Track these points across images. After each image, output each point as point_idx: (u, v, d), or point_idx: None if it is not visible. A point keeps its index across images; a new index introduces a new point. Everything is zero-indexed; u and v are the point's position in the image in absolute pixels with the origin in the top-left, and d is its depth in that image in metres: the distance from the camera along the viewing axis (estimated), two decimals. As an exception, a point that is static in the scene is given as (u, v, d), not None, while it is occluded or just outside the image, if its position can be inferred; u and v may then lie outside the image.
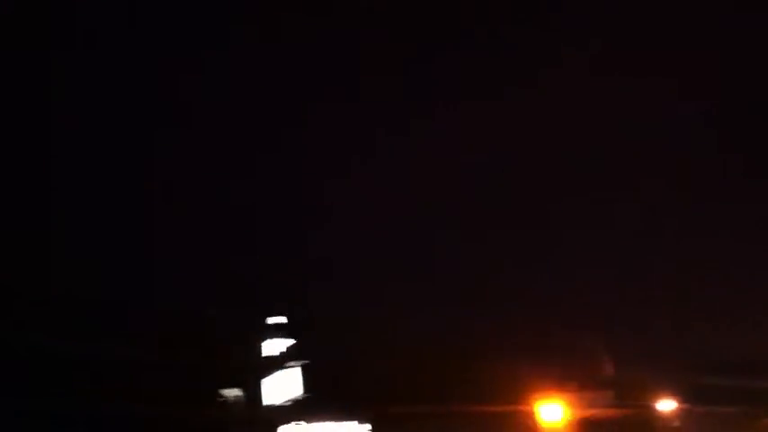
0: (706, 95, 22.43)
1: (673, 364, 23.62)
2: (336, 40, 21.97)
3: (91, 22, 20.33)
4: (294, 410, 21.12)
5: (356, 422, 21.38)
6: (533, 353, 22.24)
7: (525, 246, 24.28)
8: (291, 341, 21.87)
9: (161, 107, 21.87)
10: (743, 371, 23.25)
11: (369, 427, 21.69)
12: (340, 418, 21.29)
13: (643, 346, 23.92)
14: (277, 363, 21.62)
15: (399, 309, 23.14)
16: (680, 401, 24.70)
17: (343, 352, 21.66)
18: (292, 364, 21.61)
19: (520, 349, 22.09)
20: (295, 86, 22.68)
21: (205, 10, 20.63)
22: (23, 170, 20.63)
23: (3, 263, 18.78)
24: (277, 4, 21.17)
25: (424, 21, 21.89)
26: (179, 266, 21.15)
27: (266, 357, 21.75)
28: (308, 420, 20.98)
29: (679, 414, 24.55)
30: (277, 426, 20.85)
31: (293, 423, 20.97)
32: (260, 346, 21.83)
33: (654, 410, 24.61)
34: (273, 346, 21.81)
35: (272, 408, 21.16)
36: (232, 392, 20.86)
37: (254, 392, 21.11)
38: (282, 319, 22.07)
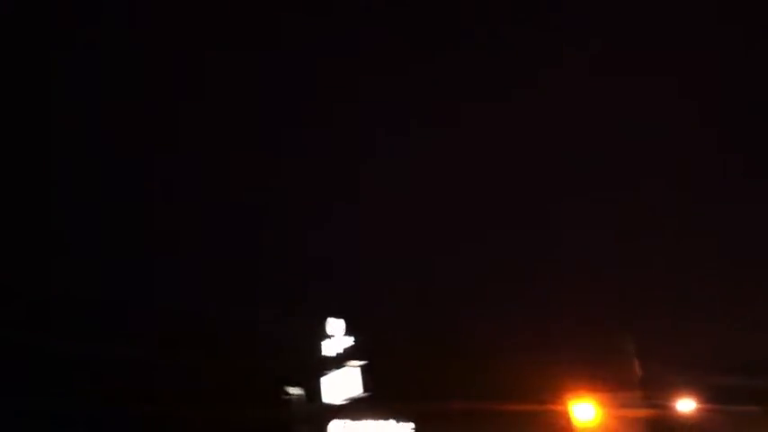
0: (706, 95, 22.46)
1: (692, 364, 23.75)
2: (336, 40, 22.02)
3: (91, 23, 20.37)
4: (351, 409, 21.68)
5: (400, 420, 22.04)
6: (567, 354, 22.70)
7: (536, 249, 24.41)
8: (350, 341, 22.44)
9: (161, 107, 21.92)
10: (762, 370, 23.30)
11: (412, 425, 22.30)
12: (384, 416, 21.96)
13: (663, 347, 24.06)
14: (336, 363, 22.24)
15: (436, 309, 23.74)
16: (700, 401, 24.76)
17: (394, 352, 22.48)
18: (352, 363, 22.18)
19: (555, 351, 22.56)
20: (295, 86, 22.75)
21: (205, 10, 20.66)
22: (23, 170, 20.66)
23: (3, 263, 18.79)
24: (277, 4, 21.21)
25: (424, 21, 21.93)
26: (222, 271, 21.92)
27: (325, 357, 22.38)
28: (355, 418, 21.59)
29: (699, 414, 24.62)
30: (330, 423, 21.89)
31: (340, 421, 21.52)
32: (320, 347, 22.50)
33: (676, 410, 24.75)
34: (332, 347, 22.50)
35: (330, 406, 21.80)
36: (295, 391, 21.63)
37: (314, 391, 21.91)
38: (341, 321, 22.66)
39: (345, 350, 22.38)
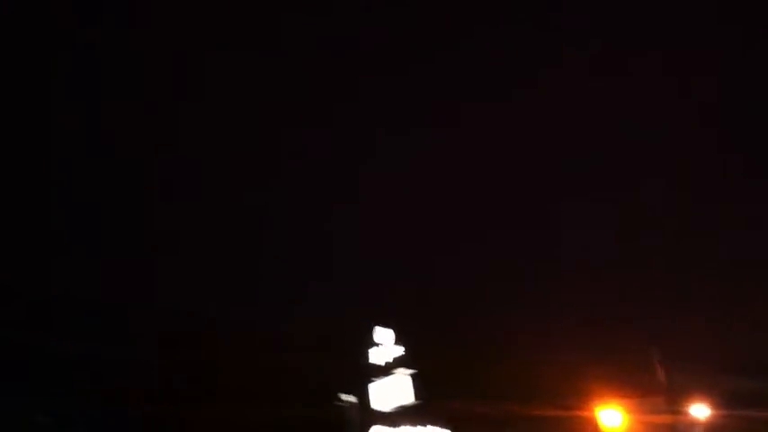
0: (706, 95, 22.44)
1: (707, 368, 23.77)
2: (336, 40, 22.00)
3: (90, 22, 20.36)
4: (400, 416, 22.70)
5: (437, 425, 22.82)
6: (594, 361, 23.06)
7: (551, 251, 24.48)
8: (400, 350, 23.48)
9: (161, 107, 21.90)
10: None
11: (448, 430, 23.04)
12: (422, 421, 22.83)
13: (678, 351, 24.08)
14: (384, 371, 23.23)
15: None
16: (714, 406, 24.84)
17: (434, 359, 23.35)
18: (402, 371, 23.22)
19: (582, 357, 22.88)
20: (295, 86, 22.72)
21: (205, 10, 20.66)
22: (23, 170, 20.66)
23: (3, 263, 18.80)
24: (277, 4, 21.20)
25: (424, 21, 21.92)
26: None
27: (375, 365, 23.35)
28: (395, 424, 22.58)
29: (714, 418, 24.71)
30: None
31: (383, 427, 22.56)
32: (369, 355, 23.48)
33: (693, 415, 24.92)
34: (380, 355, 23.49)
35: (380, 413, 22.71)
36: (348, 398, 22.68)
37: (365, 398, 22.87)
38: (389, 330, 23.68)
39: (394, 358, 23.43)
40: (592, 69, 22.71)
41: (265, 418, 19.11)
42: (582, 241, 24.35)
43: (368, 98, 22.66)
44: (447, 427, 22.87)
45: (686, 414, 24.98)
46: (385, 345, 23.46)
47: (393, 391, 23.04)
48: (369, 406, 22.82)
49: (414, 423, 22.70)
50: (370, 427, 22.53)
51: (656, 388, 24.78)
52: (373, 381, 23.05)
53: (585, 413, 24.24)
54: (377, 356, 23.35)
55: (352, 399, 22.76)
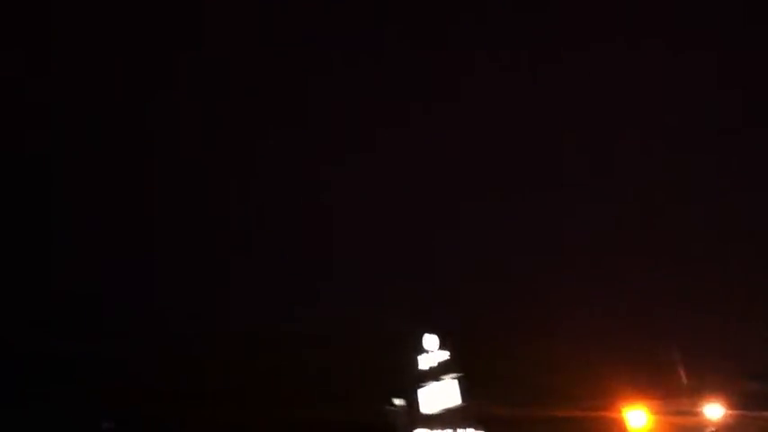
0: (706, 95, 22.41)
1: (720, 369, 23.90)
2: (336, 40, 21.98)
3: (91, 22, 20.36)
4: (445, 418, 23.94)
5: (474, 427, 23.98)
6: (621, 363, 23.55)
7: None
8: (446, 355, 24.68)
9: (161, 107, 21.91)
10: None
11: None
12: (463, 423, 23.98)
13: (692, 353, 24.19)
14: (432, 375, 24.54)
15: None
16: (728, 406, 25.02)
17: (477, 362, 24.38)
18: (449, 375, 24.44)
19: (610, 360, 23.39)
20: (295, 86, 22.70)
21: (205, 10, 20.65)
22: (23, 170, 20.68)
23: (3, 263, 18.84)
24: (277, 4, 21.18)
25: (424, 20, 21.88)
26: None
27: (423, 370, 24.69)
28: (433, 427, 23.91)
29: (727, 419, 24.89)
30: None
31: (425, 430, 23.90)
32: (418, 360, 24.84)
33: (713, 416, 25.22)
34: (429, 360, 24.78)
35: (428, 416, 24.08)
36: (399, 402, 24.24)
37: (413, 402, 24.37)
38: (435, 337, 24.89)
39: (440, 363, 24.77)
40: (592, 69, 22.69)
41: (324, 419, 20.48)
42: (610, 245, 24.53)
43: (368, 98, 22.68)
44: (481, 428, 23.91)
45: (708, 415, 25.27)
46: (432, 350, 24.69)
47: (440, 395, 24.28)
48: (417, 409, 24.21)
49: (455, 425, 23.80)
50: (416, 428, 23.84)
51: (679, 389, 25.12)
52: (422, 386, 24.44)
53: (613, 414, 24.93)
54: (425, 362, 24.67)
55: (402, 402, 24.17)
